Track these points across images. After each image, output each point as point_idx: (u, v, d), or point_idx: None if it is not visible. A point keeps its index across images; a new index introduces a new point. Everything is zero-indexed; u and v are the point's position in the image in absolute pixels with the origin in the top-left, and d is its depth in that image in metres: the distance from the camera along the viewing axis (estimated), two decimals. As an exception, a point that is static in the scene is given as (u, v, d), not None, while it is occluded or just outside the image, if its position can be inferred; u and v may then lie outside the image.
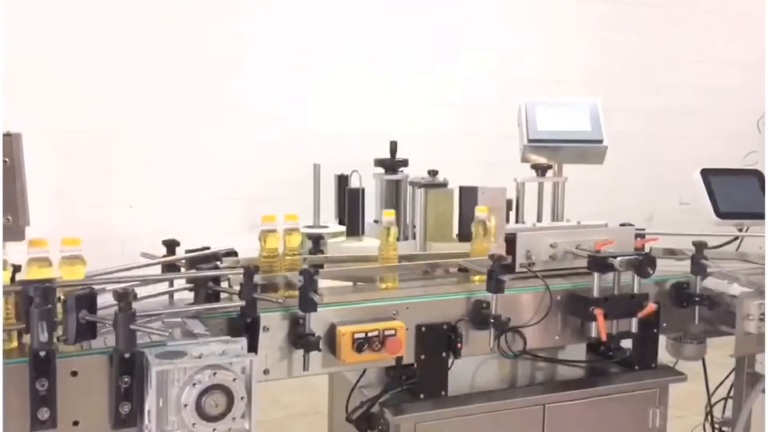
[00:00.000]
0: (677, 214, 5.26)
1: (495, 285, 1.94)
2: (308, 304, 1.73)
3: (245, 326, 1.67)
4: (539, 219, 2.48)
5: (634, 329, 2.12)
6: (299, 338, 1.76)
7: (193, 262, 1.81)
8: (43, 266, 1.54)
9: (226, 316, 1.74)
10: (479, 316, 1.98)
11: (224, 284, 1.82)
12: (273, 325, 1.78)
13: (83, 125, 4.19)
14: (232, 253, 1.95)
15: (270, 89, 4.61)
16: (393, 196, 2.36)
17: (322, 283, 1.97)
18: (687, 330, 2.31)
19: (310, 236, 2.11)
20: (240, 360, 1.52)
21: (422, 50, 4.88)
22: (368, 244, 2.19)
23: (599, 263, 2.05)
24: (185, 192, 4.48)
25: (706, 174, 2.47)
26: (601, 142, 2.47)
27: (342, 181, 2.55)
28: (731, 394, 2.64)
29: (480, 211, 2.13)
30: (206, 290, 1.74)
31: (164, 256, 1.87)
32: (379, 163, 2.39)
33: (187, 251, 1.85)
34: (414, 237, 2.28)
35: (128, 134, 4.32)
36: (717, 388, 2.67)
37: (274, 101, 4.58)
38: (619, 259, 2.02)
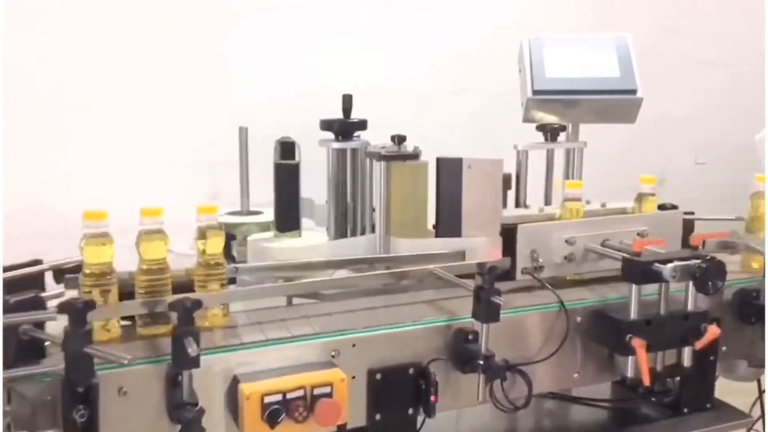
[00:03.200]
0: (693, 176, 4.62)
1: (486, 311, 1.29)
2: (183, 357, 1.07)
3: (72, 397, 1.01)
4: (548, 201, 1.82)
5: (687, 362, 1.47)
6: (174, 409, 1.11)
7: (12, 287, 1.15)
8: None
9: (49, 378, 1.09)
10: (462, 352, 1.33)
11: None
12: (134, 386, 1.13)
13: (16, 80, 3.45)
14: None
15: (225, 43, 3.85)
16: (342, 172, 1.69)
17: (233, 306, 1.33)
18: (753, 355, 1.66)
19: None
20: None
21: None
22: (306, 243, 1.53)
23: (640, 272, 1.39)
24: (135, 159, 3.77)
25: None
26: (634, 92, 1.79)
27: (286, 150, 1.87)
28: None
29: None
30: (19, 337, 1.08)
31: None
32: (326, 125, 1.71)
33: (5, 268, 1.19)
34: (373, 230, 1.61)
35: (68, 94, 3.56)
36: None
37: (231, 56, 3.82)
38: (670, 266, 1.36)
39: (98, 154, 3.68)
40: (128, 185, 3.64)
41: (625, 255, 1.42)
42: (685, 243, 1.70)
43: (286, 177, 1.53)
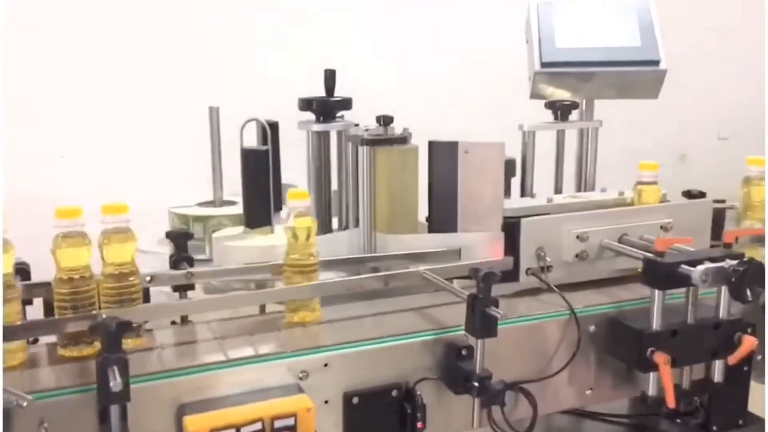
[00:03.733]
0: (716, 152, 4.37)
1: (481, 324, 1.09)
2: (106, 390, 0.88)
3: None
4: (558, 189, 1.61)
5: (718, 377, 1.27)
6: (101, 450, 0.93)
7: None
8: None
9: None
10: (454, 370, 1.14)
11: None
12: (57, 420, 0.95)
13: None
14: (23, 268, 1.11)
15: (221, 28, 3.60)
16: (324, 158, 1.49)
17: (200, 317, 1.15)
18: (794, 363, 1.45)
19: (169, 234, 1.25)
20: None
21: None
22: (276, 240, 1.33)
23: (664, 275, 1.18)
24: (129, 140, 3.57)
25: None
26: (657, 63, 1.57)
27: (270, 132, 1.68)
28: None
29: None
30: None
31: None
32: (305, 104, 1.51)
33: None
34: (358, 224, 1.42)
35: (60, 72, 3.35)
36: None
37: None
38: (701, 269, 1.15)
39: (91, 137, 3.42)
40: (124, 172, 3.41)
41: (647, 255, 1.21)
42: (716, 236, 1.50)
43: (255, 165, 1.34)
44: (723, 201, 1.53)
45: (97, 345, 1.00)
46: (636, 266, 1.29)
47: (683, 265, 1.17)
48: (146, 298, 1.13)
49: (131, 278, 1.04)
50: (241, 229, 1.41)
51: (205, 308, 1.16)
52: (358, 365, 1.11)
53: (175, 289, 1.19)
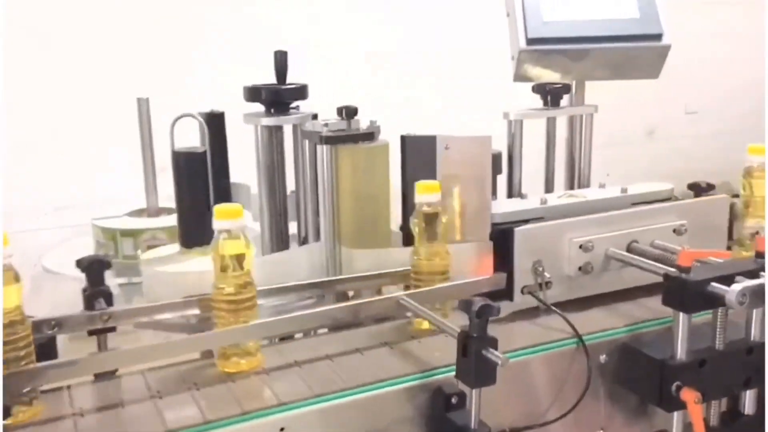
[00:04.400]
0: (684, 127, 4.23)
1: (476, 370, 0.87)
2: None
3: None
4: (549, 188, 1.40)
5: (749, 409, 1.08)
6: None
7: None
8: None
9: None
10: (443, 423, 0.92)
11: None
12: None
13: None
14: None
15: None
16: (277, 157, 1.25)
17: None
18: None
19: (80, 262, 1.00)
20: None
21: None
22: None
23: (691, 296, 0.98)
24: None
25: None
26: (659, 38, 1.36)
27: (215, 122, 1.44)
28: None
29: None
30: None
31: None
32: (252, 94, 1.27)
33: None
34: (319, 238, 1.18)
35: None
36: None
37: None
38: (738, 289, 0.94)
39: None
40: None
41: (668, 270, 1.01)
42: (731, 235, 1.31)
43: (188, 171, 1.09)
44: (737, 195, 1.34)
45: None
46: (648, 278, 1.09)
47: (714, 283, 0.97)
48: (50, 350, 0.88)
49: (16, 331, 0.79)
50: (178, 247, 1.17)
51: (109, 364, 0.92)
52: (324, 425, 0.89)
53: (91, 333, 0.94)
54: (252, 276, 0.96)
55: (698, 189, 1.38)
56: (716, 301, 0.97)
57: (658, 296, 1.09)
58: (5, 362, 0.78)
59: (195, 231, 1.12)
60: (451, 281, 1.08)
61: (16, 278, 0.80)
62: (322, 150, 1.12)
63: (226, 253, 0.93)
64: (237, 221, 0.94)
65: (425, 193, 1.05)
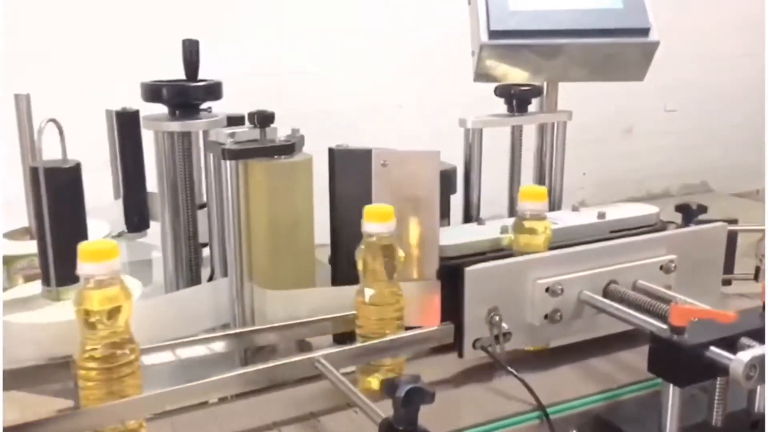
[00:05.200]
0: (662, 124, 4.07)
1: (402, 477, 0.65)
2: None
3: None
4: (513, 211, 1.18)
5: (750, 496, 0.87)
6: None
7: None
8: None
9: None
10: None
11: None
12: None
13: None
14: None
15: None
16: (185, 167, 1.02)
17: None
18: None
19: None
20: None
21: None
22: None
23: (687, 365, 0.76)
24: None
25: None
26: (645, 33, 1.15)
27: (128, 122, 1.22)
28: None
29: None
30: None
31: None
32: (151, 93, 1.03)
33: None
34: (226, 275, 0.96)
35: None
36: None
37: None
38: (746, 358, 0.73)
39: None
40: None
41: (655, 331, 0.79)
42: (728, 267, 1.11)
43: (53, 191, 0.86)
44: (735, 221, 1.13)
45: None
46: (628, 324, 0.88)
47: (715, 348, 0.76)
48: None
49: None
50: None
51: None
52: None
53: None
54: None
55: (688, 212, 1.17)
56: (717, 371, 0.76)
57: (640, 347, 0.90)
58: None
59: (63, 264, 0.89)
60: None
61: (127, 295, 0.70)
62: (227, 166, 0.89)
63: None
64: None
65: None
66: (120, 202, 1.36)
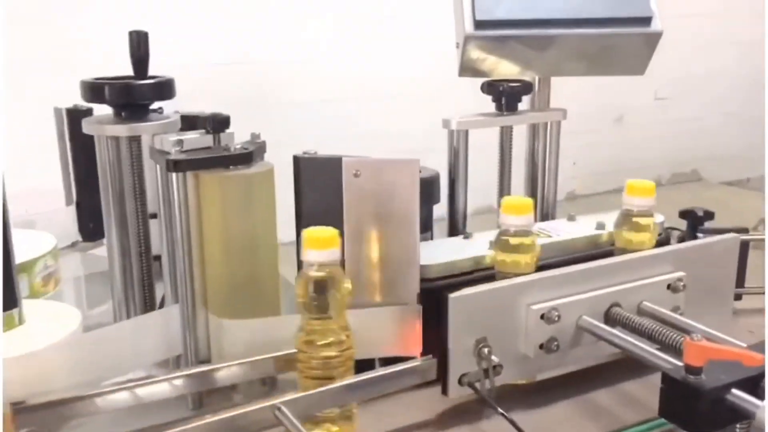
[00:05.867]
0: (653, 113, 3.99)
1: None
2: None
3: None
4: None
5: None
6: None
7: None
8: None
9: None
10: None
11: None
12: None
13: None
14: None
15: None
16: (135, 175, 0.90)
17: None
18: None
19: None
20: None
21: None
22: (21, 343, 0.75)
23: (705, 410, 0.66)
24: None
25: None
26: (647, 22, 1.04)
27: (76, 120, 1.10)
28: None
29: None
30: None
31: None
32: (91, 92, 0.91)
33: None
34: (177, 300, 0.84)
35: None
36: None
37: None
38: (776, 407, 0.63)
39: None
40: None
41: (667, 371, 0.69)
42: (739, 280, 1.00)
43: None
44: (746, 230, 1.03)
45: None
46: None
47: (737, 391, 0.66)
48: None
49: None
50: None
51: None
52: None
53: None
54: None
55: (694, 218, 1.07)
56: (739, 417, 0.66)
57: (645, 377, 0.80)
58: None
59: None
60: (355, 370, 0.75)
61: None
62: (173, 179, 0.77)
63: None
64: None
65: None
66: (72, 209, 1.25)
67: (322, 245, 0.71)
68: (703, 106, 4.04)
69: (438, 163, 1.01)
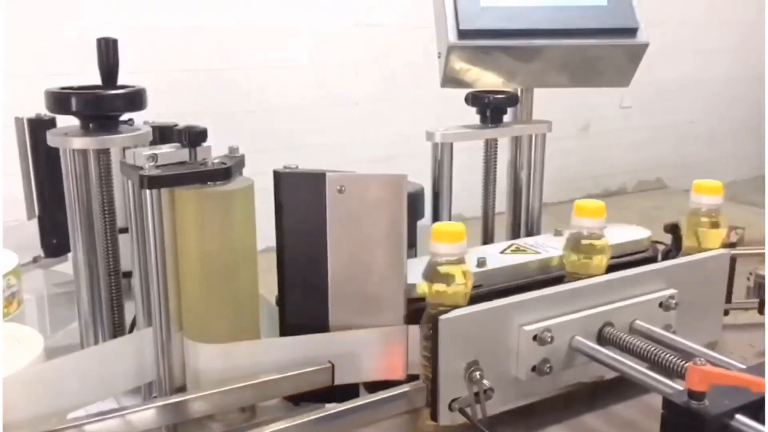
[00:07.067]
0: (618, 121, 4.03)
1: None
2: None
3: None
4: (488, 237, 1.04)
5: None
6: None
7: None
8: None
9: None
10: None
11: None
12: None
13: None
14: None
15: None
16: (103, 190, 0.85)
17: None
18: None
19: None
20: None
21: None
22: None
23: (710, 437, 0.64)
24: None
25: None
26: (633, 33, 1.02)
27: (35, 130, 1.06)
28: None
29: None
30: None
31: None
32: (58, 102, 0.85)
33: None
34: (150, 323, 0.79)
35: None
36: None
37: None
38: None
39: None
40: None
41: (668, 395, 0.66)
42: (727, 295, 0.98)
43: None
44: (734, 244, 1.01)
45: None
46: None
47: (741, 417, 0.63)
48: None
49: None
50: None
51: None
52: None
53: None
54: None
55: (678, 233, 1.05)
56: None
57: (637, 398, 0.77)
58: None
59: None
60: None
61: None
62: (147, 196, 0.72)
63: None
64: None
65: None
66: (35, 223, 1.19)
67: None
68: (667, 115, 4.08)
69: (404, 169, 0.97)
